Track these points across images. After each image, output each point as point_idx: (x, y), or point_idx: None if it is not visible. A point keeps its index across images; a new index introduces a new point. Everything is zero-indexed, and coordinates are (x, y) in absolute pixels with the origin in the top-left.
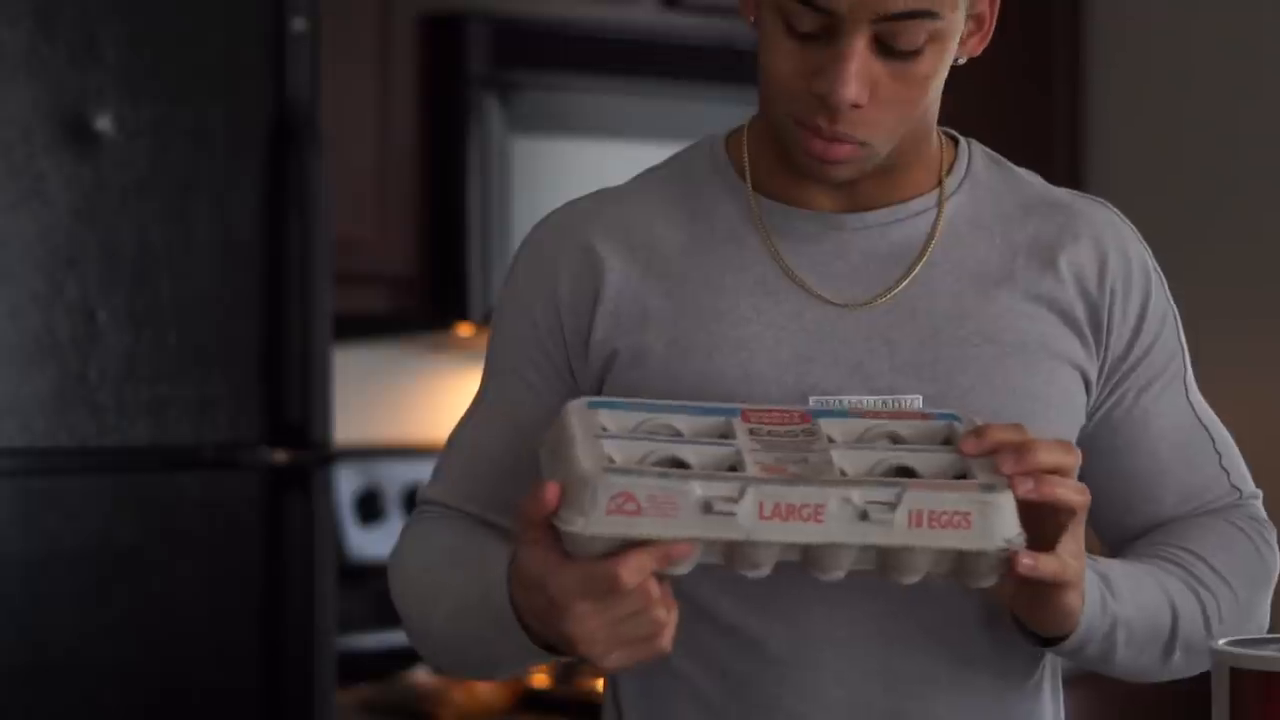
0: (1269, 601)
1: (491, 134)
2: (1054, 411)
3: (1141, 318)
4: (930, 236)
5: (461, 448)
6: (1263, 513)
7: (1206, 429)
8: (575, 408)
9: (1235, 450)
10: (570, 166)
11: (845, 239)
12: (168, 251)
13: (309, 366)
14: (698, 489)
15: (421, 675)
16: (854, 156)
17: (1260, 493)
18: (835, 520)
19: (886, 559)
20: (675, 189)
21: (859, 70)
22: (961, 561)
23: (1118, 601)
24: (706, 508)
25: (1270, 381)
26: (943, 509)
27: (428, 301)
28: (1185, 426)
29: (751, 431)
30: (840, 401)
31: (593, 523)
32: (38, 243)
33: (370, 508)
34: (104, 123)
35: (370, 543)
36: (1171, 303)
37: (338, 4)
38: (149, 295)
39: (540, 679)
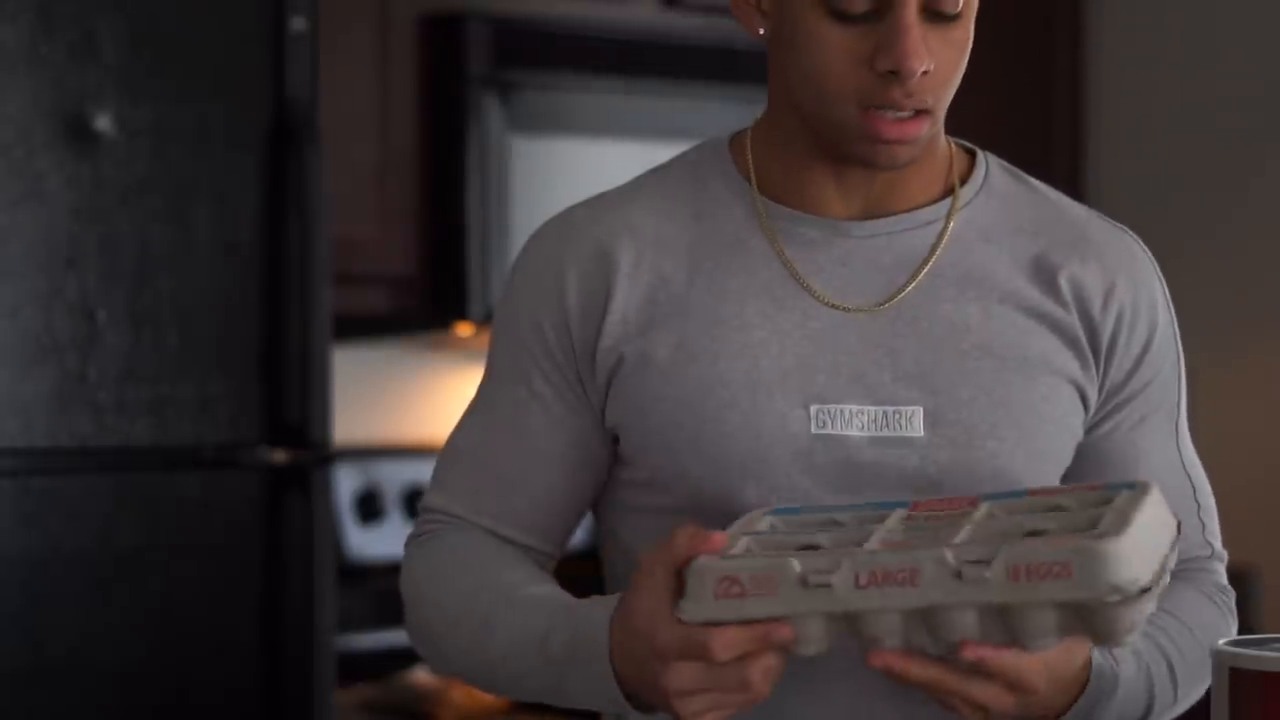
0: None
1: (491, 134)
2: (1051, 427)
3: (1145, 349)
4: (936, 247)
5: (465, 457)
6: (1225, 578)
7: (1189, 476)
8: (753, 515)
9: (1212, 504)
10: (569, 166)
11: (852, 246)
12: (168, 251)
13: (309, 366)
14: (795, 565)
15: (421, 675)
16: (924, 131)
17: (1225, 555)
18: (931, 581)
19: (1007, 620)
20: (680, 192)
21: (920, 38)
22: (1081, 616)
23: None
24: (803, 582)
25: (1272, 380)
26: (1040, 560)
27: (428, 301)
28: (1172, 470)
29: (908, 517)
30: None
31: (704, 609)
32: (38, 243)
33: (370, 508)
34: (104, 122)
35: (370, 543)
36: (1178, 344)
37: (337, 4)
38: (149, 295)
39: None
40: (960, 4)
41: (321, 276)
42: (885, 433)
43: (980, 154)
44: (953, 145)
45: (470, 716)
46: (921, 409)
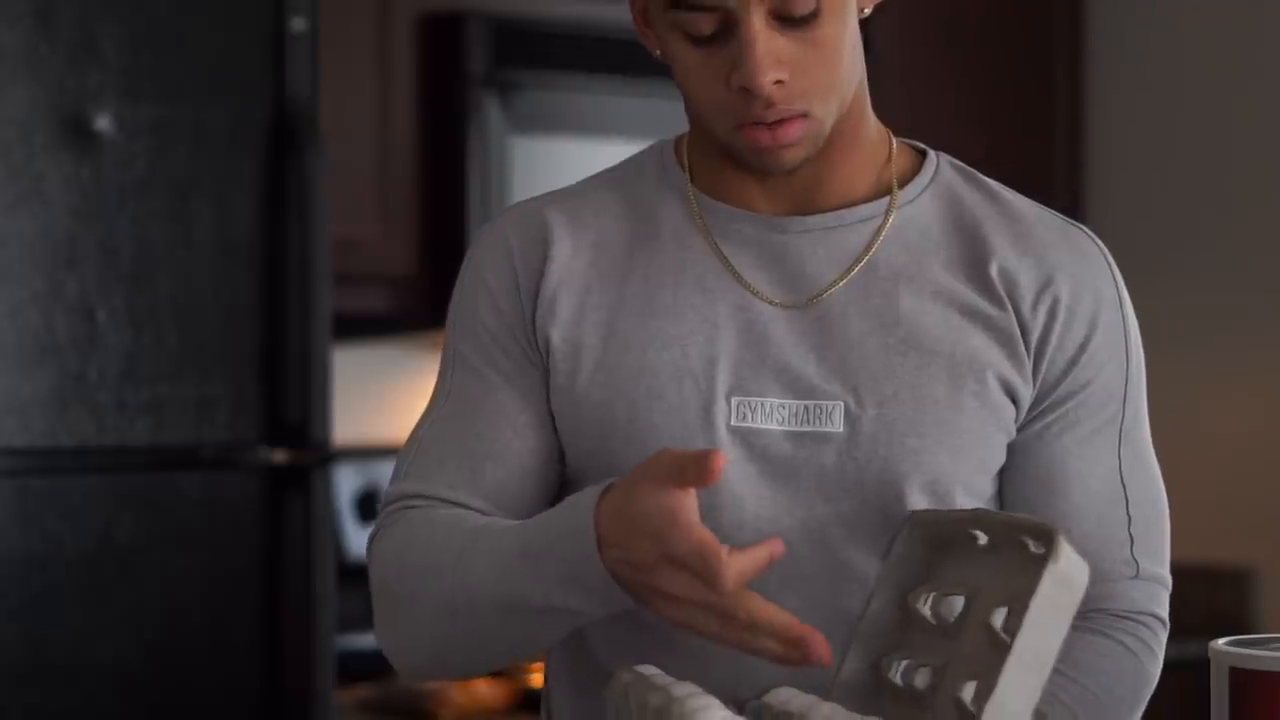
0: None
1: (491, 134)
2: (977, 422)
3: (1082, 350)
4: (871, 244)
5: (430, 443)
6: (1160, 606)
7: (1125, 488)
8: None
9: (1155, 523)
10: (570, 165)
11: (787, 241)
12: (168, 251)
13: (309, 366)
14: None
15: None
16: (803, 133)
17: (1168, 579)
18: None
19: None
20: (625, 191)
21: (766, 51)
22: None
23: None
24: None
25: (1271, 381)
26: None
27: (428, 301)
28: (1104, 478)
29: None
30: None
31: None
32: (38, 243)
33: (370, 508)
34: (104, 123)
35: None
36: (1132, 350)
37: (338, 4)
38: (149, 295)
39: (539, 679)
40: (815, 3)
41: (321, 276)
42: (804, 428)
43: (932, 154)
44: (894, 143)
45: (470, 716)
46: (842, 404)
